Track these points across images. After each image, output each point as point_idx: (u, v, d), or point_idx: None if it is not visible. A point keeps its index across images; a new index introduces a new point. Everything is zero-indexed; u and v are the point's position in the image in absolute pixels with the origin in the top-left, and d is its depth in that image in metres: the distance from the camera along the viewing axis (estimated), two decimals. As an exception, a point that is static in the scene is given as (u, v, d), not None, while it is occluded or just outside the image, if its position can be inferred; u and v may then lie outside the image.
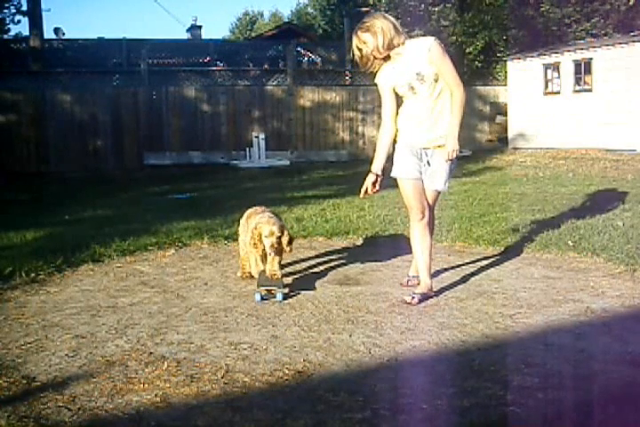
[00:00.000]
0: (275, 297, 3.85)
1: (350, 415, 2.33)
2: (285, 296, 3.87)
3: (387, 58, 3.74)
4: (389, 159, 3.84)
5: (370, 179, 3.79)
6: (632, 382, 2.56)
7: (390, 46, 3.67)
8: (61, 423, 2.34)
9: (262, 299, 3.83)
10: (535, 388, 2.52)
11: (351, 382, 2.64)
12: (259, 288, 3.89)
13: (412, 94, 3.73)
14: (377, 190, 3.83)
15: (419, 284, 3.88)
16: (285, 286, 4.01)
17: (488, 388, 2.53)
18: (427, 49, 3.63)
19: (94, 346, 3.13)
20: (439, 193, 3.88)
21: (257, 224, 3.95)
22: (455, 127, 3.66)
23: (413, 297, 3.71)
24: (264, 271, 3.97)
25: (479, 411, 2.34)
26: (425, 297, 3.77)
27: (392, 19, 3.72)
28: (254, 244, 3.93)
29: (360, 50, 3.72)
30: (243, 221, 4.41)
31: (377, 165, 3.79)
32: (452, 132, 3.67)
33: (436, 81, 3.66)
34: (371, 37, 3.65)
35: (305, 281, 4.32)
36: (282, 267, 4.24)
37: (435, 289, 3.89)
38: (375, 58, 3.71)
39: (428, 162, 3.80)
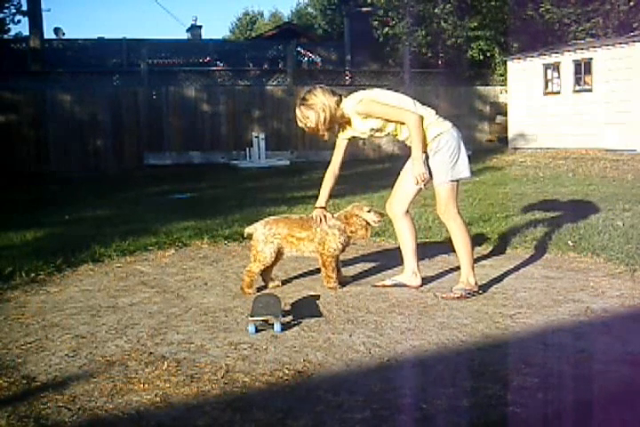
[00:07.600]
0: (272, 327, 3.27)
1: (350, 415, 2.33)
2: (284, 327, 3.29)
3: (335, 126, 3.94)
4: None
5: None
6: (632, 382, 2.56)
7: (333, 120, 3.85)
8: (61, 423, 2.34)
9: (257, 331, 3.26)
10: (535, 388, 2.52)
11: (351, 382, 2.64)
12: (253, 317, 3.27)
13: (390, 136, 3.95)
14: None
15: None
16: (286, 313, 3.52)
17: (488, 388, 2.53)
18: (355, 114, 3.81)
19: (94, 346, 3.13)
20: (442, 188, 3.83)
21: (348, 211, 4.21)
22: (415, 153, 3.75)
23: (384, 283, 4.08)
24: (261, 297, 3.56)
25: (479, 411, 2.34)
26: (396, 285, 4.04)
27: (330, 93, 3.83)
28: (352, 221, 4.09)
29: (304, 124, 3.87)
30: (265, 231, 4.02)
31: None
32: (413, 159, 3.78)
33: (389, 121, 3.81)
34: (313, 114, 3.80)
35: (304, 281, 4.32)
36: (283, 283, 4.26)
37: (435, 289, 3.96)
38: (320, 130, 3.87)
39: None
